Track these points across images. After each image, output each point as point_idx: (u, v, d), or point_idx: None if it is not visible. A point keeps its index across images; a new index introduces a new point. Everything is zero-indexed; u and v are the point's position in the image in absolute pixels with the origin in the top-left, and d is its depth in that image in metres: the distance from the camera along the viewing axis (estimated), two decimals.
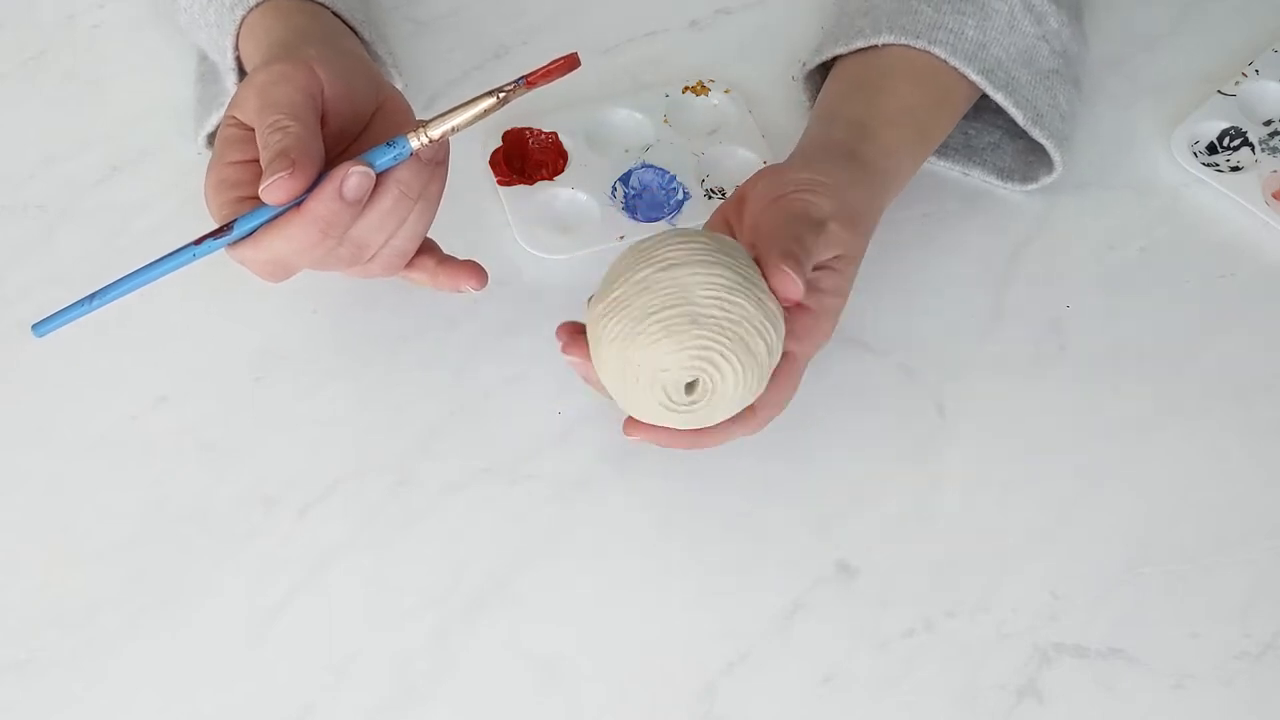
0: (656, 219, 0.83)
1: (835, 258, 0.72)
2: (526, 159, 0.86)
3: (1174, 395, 0.79)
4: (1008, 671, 0.70)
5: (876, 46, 0.81)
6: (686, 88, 0.89)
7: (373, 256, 0.69)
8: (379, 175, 0.66)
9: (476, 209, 0.84)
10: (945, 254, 0.84)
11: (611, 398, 0.69)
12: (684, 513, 0.75)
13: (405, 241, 0.69)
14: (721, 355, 0.66)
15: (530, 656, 0.70)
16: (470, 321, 0.80)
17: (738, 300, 0.66)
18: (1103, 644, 0.71)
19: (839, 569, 0.73)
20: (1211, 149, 0.88)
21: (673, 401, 0.67)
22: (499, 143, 0.85)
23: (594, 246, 0.82)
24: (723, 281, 0.66)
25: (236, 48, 0.77)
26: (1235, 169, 0.87)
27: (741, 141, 0.86)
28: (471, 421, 0.77)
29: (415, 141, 0.66)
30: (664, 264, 0.67)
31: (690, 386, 0.67)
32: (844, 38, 0.82)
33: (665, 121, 0.87)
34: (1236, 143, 0.88)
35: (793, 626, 0.71)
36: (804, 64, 0.84)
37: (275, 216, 0.66)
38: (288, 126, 0.65)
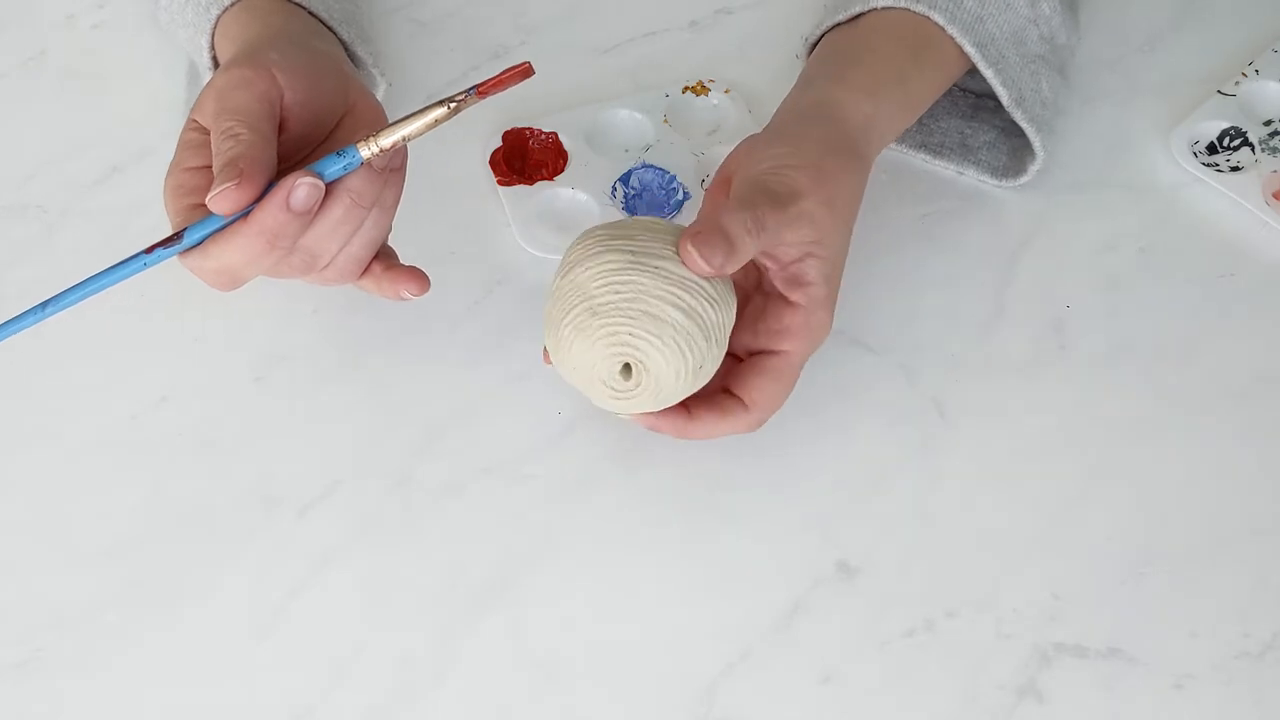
0: None
1: (814, 242, 0.71)
2: (526, 159, 0.86)
3: (1174, 395, 0.79)
4: (1008, 671, 0.70)
5: (874, 10, 0.80)
6: (686, 88, 0.89)
7: (327, 265, 0.68)
8: (330, 185, 0.65)
9: (476, 209, 0.84)
10: (945, 254, 0.84)
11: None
12: (684, 512, 0.75)
13: (360, 250, 0.68)
14: (630, 334, 0.68)
15: (530, 656, 0.70)
16: (470, 321, 0.80)
17: (629, 278, 0.68)
18: (1103, 644, 0.71)
19: (839, 569, 0.73)
20: (1211, 149, 0.88)
21: (618, 390, 0.69)
22: (499, 143, 0.85)
23: None
24: (611, 266, 0.68)
25: (212, 47, 0.77)
26: (1235, 169, 0.87)
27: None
28: (471, 421, 0.77)
29: (366, 150, 0.65)
30: (565, 269, 0.70)
31: (625, 371, 0.69)
32: (843, 6, 0.81)
33: (665, 121, 0.87)
34: (1236, 143, 0.88)
35: (793, 626, 0.71)
36: (805, 39, 0.84)
37: (225, 226, 0.65)
38: (239, 134, 0.65)
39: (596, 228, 0.71)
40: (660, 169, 0.85)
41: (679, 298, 0.68)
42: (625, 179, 0.85)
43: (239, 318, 0.79)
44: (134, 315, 0.79)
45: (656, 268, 0.68)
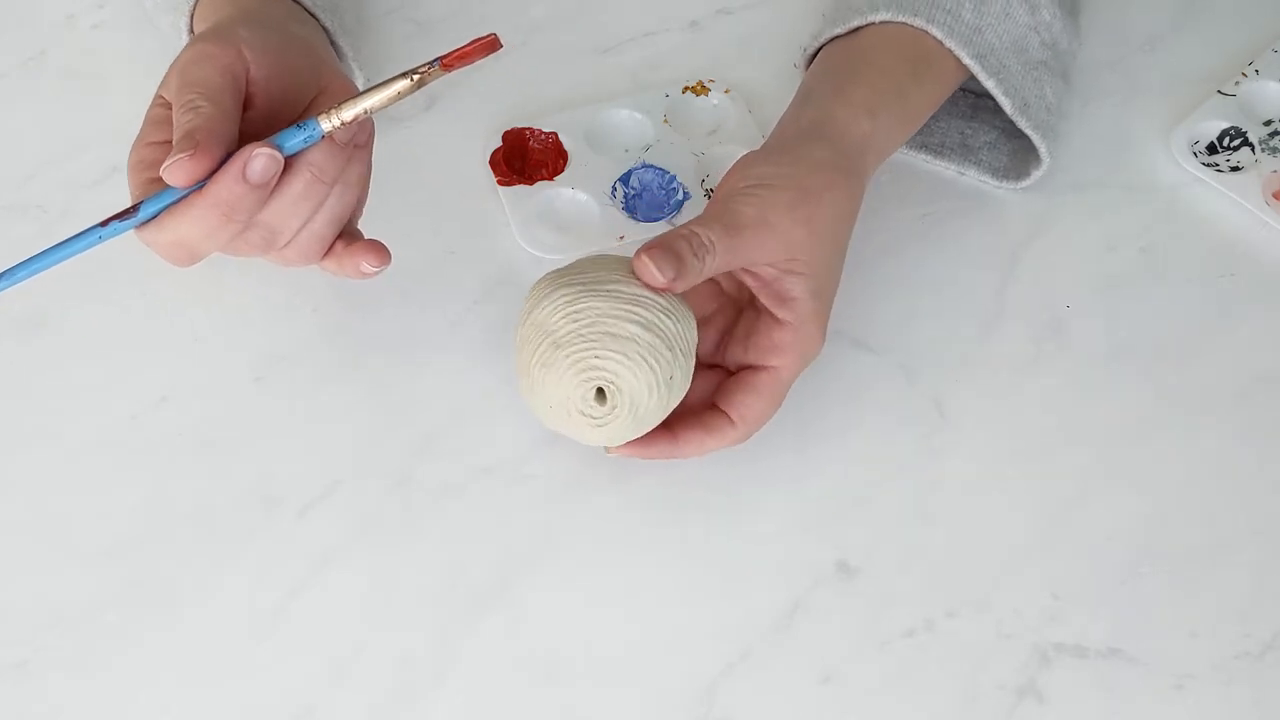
0: (656, 219, 0.84)
1: (790, 260, 0.71)
2: (526, 159, 0.86)
3: (1174, 395, 0.79)
4: (1008, 671, 0.70)
5: (870, 25, 0.80)
6: (686, 88, 0.89)
7: (288, 243, 0.67)
8: (290, 158, 0.65)
9: (476, 209, 0.84)
10: (945, 254, 0.84)
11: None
12: (683, 512, 0.75)
13: (323, 228, 0.68)
14: (596, 356, 0.68)
15: (530, 656, 0.70)
16: (470, 321, 0.80)
17: (585, 305, 0.69)
18: (1103, 644, 0.71)
19: (839, 569, 0.73)
20: (1211, 149, 0.88)
21: (597, 418, 0.70)
22: (499, 143, 0.85)
23: (594, 246, 0.82)
24: (564, 298, 0.69)
25: (191, 30, 0.77)
26: (1235, 169, 0.87)
27: (741, 141, 0.86)
28: (471, 421, 0.77)
29: (327, 123, 0.65)
30: (524, 317, 0.71)
31: (600, 396, 0.69)
32: (841, 19, 0.81)
33: (665, 121, 0.87)
34: (1236, 143, 0.88)
35: (793, 626, 0.71)
36: (804, 49, 0.84)
37: (182, 199, 0.65)
38: (199, 107, 0.64)
39: (547, 273, 0.72)
40: (660, 169, 0.85)
41: (635, 314, 0.69)
42: (625, 179, 0.85)
43: (239, 318, 0.79)
44: (134, 315, 0.79)
45: (609, 291, 0.69)
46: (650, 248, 0.69)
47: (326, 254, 0.70)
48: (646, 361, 0.69)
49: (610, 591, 0.72)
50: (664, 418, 0.71)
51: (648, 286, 0.69)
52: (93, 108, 0.88)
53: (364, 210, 0.72)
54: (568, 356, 0.69)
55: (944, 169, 0.87)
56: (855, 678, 0.70)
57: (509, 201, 0.84)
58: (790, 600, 0.72)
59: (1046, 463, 0.77)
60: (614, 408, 0.69)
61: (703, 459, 0.75)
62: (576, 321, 0.69)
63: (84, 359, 0.78)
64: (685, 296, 0.71)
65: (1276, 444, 0.78)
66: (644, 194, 0.85)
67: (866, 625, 0.71)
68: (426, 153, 0.86)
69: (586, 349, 0.68)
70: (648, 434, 0.72)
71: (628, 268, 0.70)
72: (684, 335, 0.70)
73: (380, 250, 0.70)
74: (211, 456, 0.75)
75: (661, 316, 0.69)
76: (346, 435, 0.76)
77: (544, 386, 0.70)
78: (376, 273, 0.70)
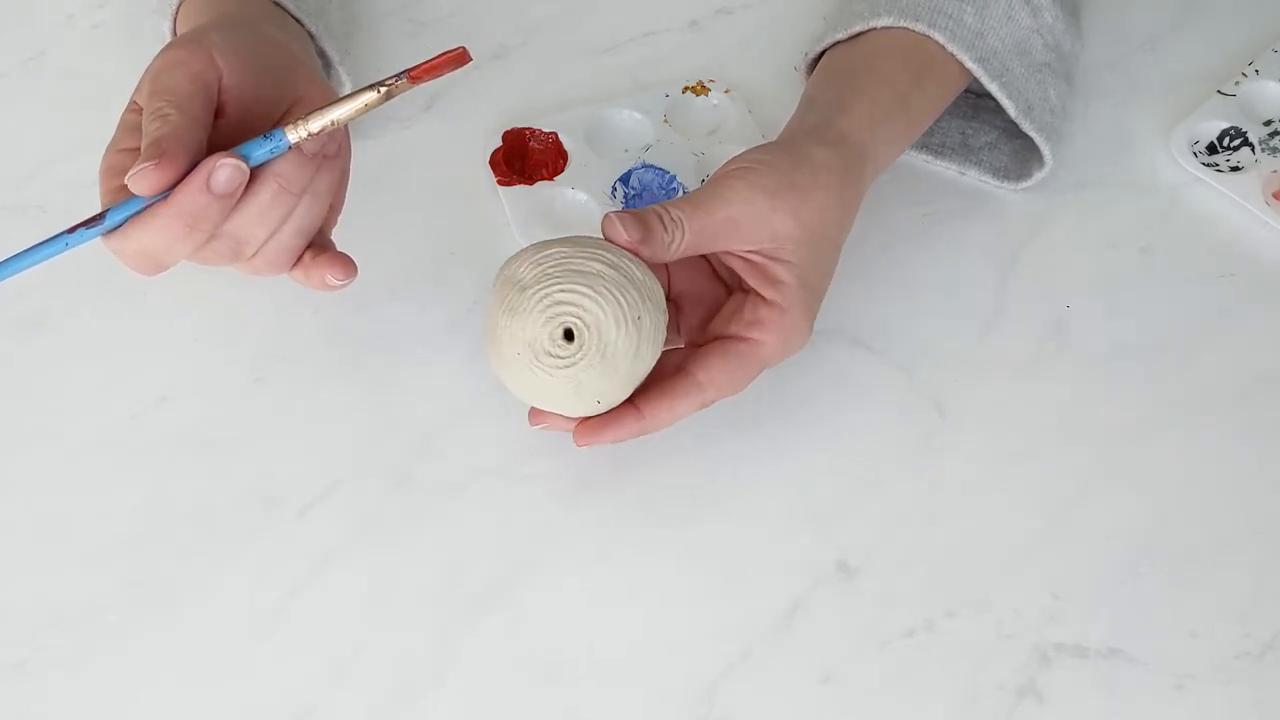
0: None
1: (777, 247, 0.71)
2: (526, 159, 0.86)
3: (1174, 395, 0.79)
4: (1008, 671, 0.70)
5: (872, 30, 0.80)
6: (686, 88, 0.89)
7: (256, 253, 0.67)
8: (256, 169, 0.64)
9: (476, 209, 0.84)
10: (945, 254, 0.84)
11: (566, 415, 0.71)
12: (684, 513, 0.75)
13: (291, 238, 0.67)
14: (561, 290, 0.68)
15: (530, 656, 0.70)
16: (470, 321, 0.80)
17: (551, 250, 0.69)
18: (1103, 644, 0.71)
19: (839, 569, 0.73)
20: (1211, 149, 0.88)
21: (564, 356, 0.68)
22: (499, 143, 0.85)
23: None
24: (531, 250, 0.70)
25: (174, 33, 0.76)
26: (1235, 169, 0.87)
27: (741, 141, 0.86)
28: (471, 421, 0.77)
29: (294, 134, 0.64)
30: (495, 281, 0.71)
31: (569, 336, 0.68)
32: (843, 24, 0.81)
33: (665, 121, 0.87)
34: (1236, 143, 0.88)
35: (793, 626, 0.71)
36: (806, 54, 0.84)
37: (147, 207, 0.64)
38: (167, 115, 0.64)
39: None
40: (660, 169, 0.85)
41: (602, 256, 0.69)
42: (625, 179, 0.85)
43: (239, 318, 0.79)
44: (134, 315, 0.79)
45: (576, 240, 0.70)
46: (619, 211, 0.70)
47: (295, 264, 0.69)
48: (614, 295, 0.68)
49: (611, 592, 0.72)
50: (635, 374, 0.69)
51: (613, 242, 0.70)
52: (93, 108, 0.88)
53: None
54: (533, 295, 0.68)
55: (944, 169, 0.87)
56: (855, 678, 0.70)
57: (509, 201, 0.84)
58: (790, 600, 0.72)
59: (1046, 463, 0.77)
60: (582, 344, 0.68)
61: (702, 458, 0.75)
62: (540, 266, 0.69)
63: (84, 359, 0.78)
64: (681, 276, 0.72)
65: (1276, 444, 0.78)
66: (644, 194, 0.85)
67: (866, 625, 0.71)
68: (426, 153, 0.86)
69: (551, 286, 0.68)
70: (612, 411, 0.70)
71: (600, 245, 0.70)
72: (650, 286, 0.69)
73: (346, 263, 0.69)
74: (211, 456, 0.75)
75: (628, 263, 0.69)
76: (346, 435, 0.76)
77: (509, 334, 0.68)
78: (342, 285, 0.69)
